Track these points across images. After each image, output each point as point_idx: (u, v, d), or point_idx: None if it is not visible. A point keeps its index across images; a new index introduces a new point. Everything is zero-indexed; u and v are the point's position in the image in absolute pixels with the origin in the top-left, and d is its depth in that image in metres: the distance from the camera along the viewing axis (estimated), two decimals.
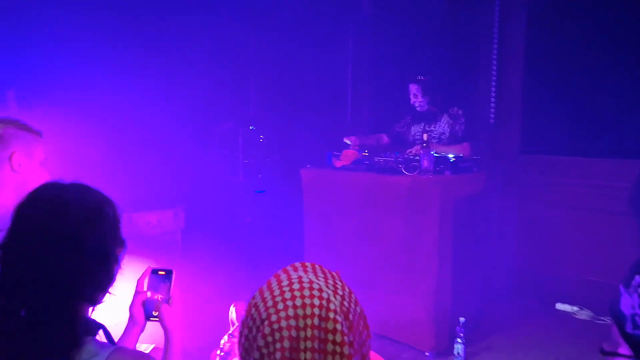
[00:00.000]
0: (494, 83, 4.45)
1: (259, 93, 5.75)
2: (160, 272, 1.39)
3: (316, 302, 0.85)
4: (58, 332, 1.01)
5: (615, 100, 3.96)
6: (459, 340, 3.35)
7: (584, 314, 4.09)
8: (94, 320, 1.13)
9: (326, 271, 0.96)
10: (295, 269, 0.95)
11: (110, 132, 4.19)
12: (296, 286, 0.87)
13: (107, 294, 1.15)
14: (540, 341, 3.68)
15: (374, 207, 3.55)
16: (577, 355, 3.49)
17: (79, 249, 1.06)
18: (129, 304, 1.37)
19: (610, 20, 3.99)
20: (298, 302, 0.85)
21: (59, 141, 3.66)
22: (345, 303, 0.89)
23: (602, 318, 4.02)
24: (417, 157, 3.44)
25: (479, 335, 3.68)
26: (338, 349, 0.83)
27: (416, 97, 3.96)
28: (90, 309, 1.13)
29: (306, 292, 0.86)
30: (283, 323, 0.83)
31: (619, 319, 1.02)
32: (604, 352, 1.09)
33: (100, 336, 1.15)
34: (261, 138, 5.55)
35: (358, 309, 0.92)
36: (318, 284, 0.88)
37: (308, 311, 0.84)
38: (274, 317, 0.84)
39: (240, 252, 5.12)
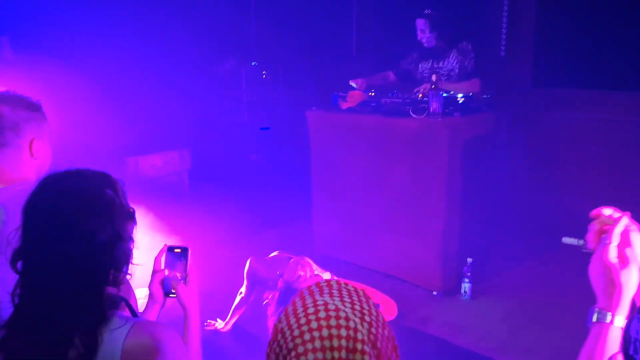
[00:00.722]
0: (505, 14, 4.23)
1: (261, 29, 5.54)
2: (176, 250, 1.41)
3: (343, 332, 0.83)
4: (85, 317, 1.06)
5: (632, 31, 3.78)
6: (466, 280, 3.41)
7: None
8: (116, 295, 1.17)
9: (352, 291, 0.92)
10: (321, 291, 0.92)
11: (111, 76, 4.09)
12: (322, 314, 0.85)
13: (127, 272, 1.19)
14: (546, 277, 3.73)
15: (382, 150, 3.50)
16: (581, 290, 3.54)
17: (91, 240, 1.08)
18: (148, 282, 1.40)
19: None
20: (325, 332, 0.83)
21: (58, 87, 3.59)
22: (373, 330, 0.86)
23: None
24: (426, 99, 3.35)
25: (486, 274, 3.73)
26: None
27: (424, 33, 3.79)
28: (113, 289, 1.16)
29: (333, 322, 0.84)
30: (310, 356, 0.81)
31: (625, 341, 1.06)
32: None
33: (123, 309, 1.21)
34: (264, 74, 5.42)
35: (386, 332, 0.89)
36: (345, 311, 0.85)
37: (335, 343, 0.82)
38: (300, 349, 0.82)
39: (246, 190, 5.14)
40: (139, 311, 1.39)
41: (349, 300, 0.89)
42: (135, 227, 1.21)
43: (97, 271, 1.09)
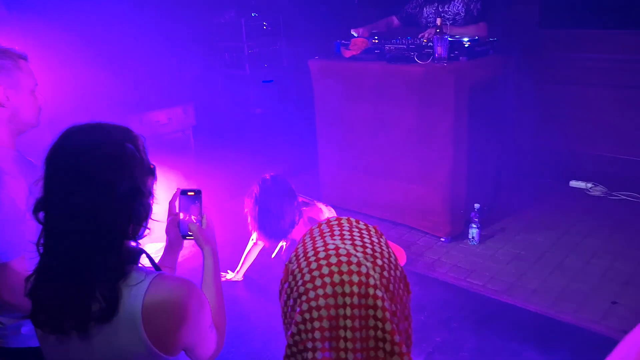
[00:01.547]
0: None
1: None
2: (189, 193, 1.40)
3: (355, 278, 0.82)
4: (104, 269, 1.06)
5: None
6: (473, 225, 3.44)
7: (598, 190, 4.13)
8: (135, 247, 1.17)
9: (363, 231, 0.91)
10: (332, 233, 0.90)
11: (110, 33, 4.02)
12: (333, 260, 0.84)
13: (147, 227, 1.19)
14: (553, 219, 3.76)
15: (387, 98, 3.46)
16: (588, 229, 3.58)
17: (112, 192, 1.08)
18: (165, 227, 1.41)
19: None
20: (336, 278, 0.82)
21: (56, 45, 3.54)
22: (385, 273, 0.85)
23: (614, 193, 4.06)
24: (430, 44, 3.27)
25: (494, 218, 3.76)
26: (380, 324, 0.81)
27: None
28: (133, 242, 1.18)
29: (344, 268, 0.83)
30: (321, 302, 0.81)
31: None
32: None
33: (144, 260, 1.21)
34: (265, 25, 5.30)
35: (398, 273, 0.88)
36: (356, 256, 0.84)
37: (347, 289, 0.81)
38: (311, 294, 0.82)
39: (252, 143, 5.13)
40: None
41: (361, 243, 0.88)
42: (155, 182, 1.21)
43: (116, 224, 1.09)
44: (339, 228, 0.91)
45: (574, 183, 4.26)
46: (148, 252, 1.21)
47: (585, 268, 3.15)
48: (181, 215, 1.39)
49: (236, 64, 5.34)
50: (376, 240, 0.90)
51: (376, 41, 3.61)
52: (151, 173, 1.19)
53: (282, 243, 3.04)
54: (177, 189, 1.42)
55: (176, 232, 1.40)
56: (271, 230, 2.70)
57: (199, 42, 4.99)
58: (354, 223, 0.93)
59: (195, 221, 1.38)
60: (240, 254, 3.21)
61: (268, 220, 2.66)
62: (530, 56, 4.21)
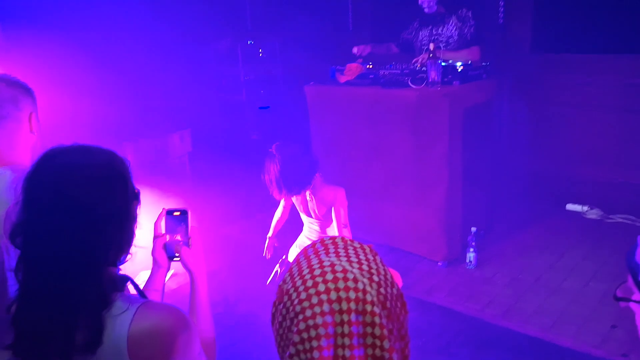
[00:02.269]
0: None
1: (255, 6, 5.47)
2: (175, 213, 1.37)
3: (352, 295, 0.81)
4: (85, 297, 1.03)
5: None
6: (470, 249, 3.42)
7: (594, 213, 4.13)
8: (120, 275, 1.14)
9: (358, 249, 0.91)
10: (327, 250, 0.89)
11: (107, 60, 4.06)
12: (329, 277, 0.83)
13: (129, 252, 1.16)
14: (549, 242, 3.74)
15: (382, 122, 3.47)
16: (585, 252, 3.56)
17: (93, 216, 1.05)
18: (151, 249, 1.37)
19: None
20: (333, 295, 0.81)
21: (54, 70, 3.57)
22: (382, 290, 0.84)
23: (611, 216, 4.05)
24: (424, 69, 3.31)
25: (491, 242, 3.74)
26: (378, 342, 0.80)
27: None
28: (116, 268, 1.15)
29: (340, 284, 0.82)
30: (319, 320, 0.80)
31: (633, 269, 1.07)
32: (618, 298, 1.12)
33: (130, 287, 1.18)
34: (260, 52, 5.37)
35: (395, 290, 0.88)
36: (352, 272, 0.83)
37: (344, 306, 0.80)
38: (308, 312, 0.81)
39: (249, 170, 5.12)
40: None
41: (356, 260, 0.87)
42: (139, 207, 1.18)
43: (97, 249, 1.06)
44: (334, 246, 0.91)
45: (570, 206, 4.25)
46: (133, 278, 1.17)
47: (583, 291, 3.13)
48: (167, 237, 1.36)
49: (233, 90, 5.38)
50: (371, 258, 0.90)
51: (370, 67, 3.65)
52: (135, 198, 1.17)
53: (277, 268, 3.02)
54: (163, 209, 1.38)
55: (162, 253, 1.36)
56: (291, 181, 2.73)
57: (195, 68, 5.04)
58: (349, 242, 0.93)
59: (181, 242, 1.35)
60: (235, 278, 3.19)
61: (287, 172, 2.73)
62: (523, 80, 4.26)
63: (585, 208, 4.18)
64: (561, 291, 3.14)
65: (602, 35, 3.92)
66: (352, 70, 3.63)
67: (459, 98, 3.26)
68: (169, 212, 1.37)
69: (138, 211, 1.18)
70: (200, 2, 4.84)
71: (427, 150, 3.32)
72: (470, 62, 3.46)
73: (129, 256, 1.16)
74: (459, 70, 3.32)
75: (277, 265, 3.00)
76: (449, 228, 3.43)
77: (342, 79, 3.67)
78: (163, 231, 1.37)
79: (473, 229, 3.39)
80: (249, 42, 5.25)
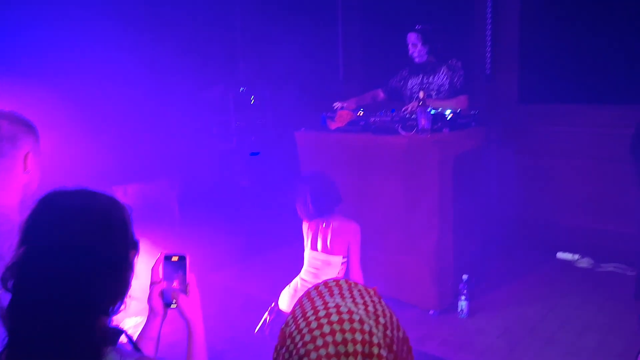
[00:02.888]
0: (489, 33, 4.31)
1: (247, 54, 5.58)
2: (173, 259, 1.34)
3: (358, 337, 0.78)
4: (77, 349, 0.98)
5: (612, 47, 3.84)
6: (462, 297, 3.37)
7: (585, 262, 4.11)
8: (113, 327, 1.09)
9: (363, 291, 0.89)
10: (331, 292, 0.87)
11: (98, 105, 4.08)
12: (334, 318, 0.80)
13: (123, 303, 1.12)
14: (541, 291, 3.70)
15: (373, 169, 3.48)
16: (578, 302, 3.52)
17: (90, 262, 1.02)
18: (147, 296, 1.33)
19: None
20: (338, 337, 0.78)
21: (44, 115, 3.56)
22: (388, 332, 0.82)
23: (602, 265, 4.04)
24: (414, 116, 3.35)
25: (482, 290, 3.69)
26: None
27: (415, 47, 3.81)
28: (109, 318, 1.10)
29: (346, 326, 0.79)
30: None
31: None
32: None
33: (123, 340, 1.14)
34: (252, 99, 5.43)
35: (400, 334, 0.85)
36: (358, 314, 0.81)
37: (350, 348, 0.77)
38: (313, 355, 0.78)
39: (238, 216, 5.09)
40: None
41: (362, 302, 0.85)
42: (137, 257, 1.16)
43: (91, 297, 1.02)
44: (338, 288, 0.89)
45: (560, 255, 4.24)
46: (126, 329, 1.13)
47: (577, 342, 3.07)
48: (164, 285, 1.33)
49: (224, 137, 5.40)
50: (376, 300, 0.88)
51: (361, 114, 3.69)
52: (134, 247, 1.14)
53: (266, 315, 2.94)
54: (161, 253, 1.36)
55: (159, 301, 1.32)
56: (313, 208, 2.93)
57: (187, 115, 5.07)
58: (352, 284, 0.91)
59: (179, 289, 1.32)
60: (223, 326, 3.10)
61: (315, 193, 2.95)
62: (511, 129, 4.33)
63: (576, 257, 4.16)
64: (555, 342, 3.07)
65: (586, 87, 4.04)
66: (343, 117, 3.66)
67: (448, 145, 3.29)
68: (167, 257, 1.34)
69: (136, 261, 1.15)
70: (193, 50, 4.92)
71: (418, 197, 3.32)
72: (459, 110, 3.51)
73: (122, 306, 1.12)
74: (449, 118, 3.37)
75: (266, 312, 2.93)
76: (440, 276, 3.39)
77: (333, 125, 3.70)
78: (160, 277, 1.34)
79: (465, 277, 3.35)
80: (241, 90, 5.31)
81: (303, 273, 2.97)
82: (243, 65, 5.61)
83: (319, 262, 2.90)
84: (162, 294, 1.32)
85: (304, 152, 3.87)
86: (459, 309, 3.38)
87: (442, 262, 3.38)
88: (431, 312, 3.44)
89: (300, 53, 5.06)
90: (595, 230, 4.13)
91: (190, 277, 1.34)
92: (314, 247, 2.95)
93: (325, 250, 2.88)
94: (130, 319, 1.88)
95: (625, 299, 3.50)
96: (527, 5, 4.22)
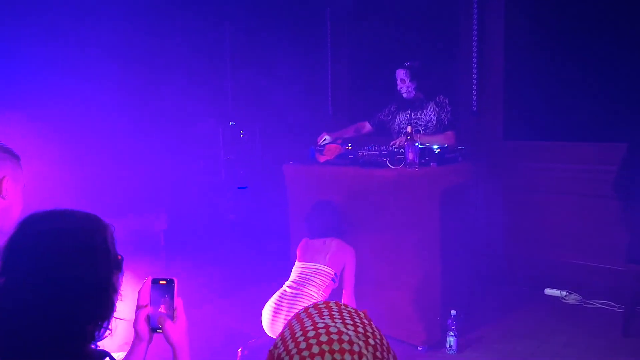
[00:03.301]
0: (475, 71, 4.41)
1: (237, 88, 5.64)
2: (161, 282, 1.31)
3: (347, 357, 0.77)
4: None
5: (595, 86, 3.95)
6: (450, 333, 3.33)
7: (573, 298, 4.11)
8: (98, 351, 1.07)
9: (353, 313, 0.88)
10: (320, 313, 0.87)
11: (85, 138, 4.07)
12: (324, 338, 0.80)
13: (109, 327, 1.10)
14: (530, 327, 3.68)
15: (360, 203, 3.49)
16: (567, 338, 3.50)
17: (73, 286, 1.01)
18: (133, 320, 1.30)
19: (587, 8, 3.97)
20: (328, 358, 0.77)
21: (30, 147, 3.54)
22: (378, 354, 0.81)
23: (590, 302, 4.03)
24: (402, 150, 3.38)
25: (471, 326, 3.66)
26: None
27: (403, 83, 3.88)
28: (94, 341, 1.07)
29: (335, 346, 0.78)
30: None
31: None
32: None
33: None
34: (241, 133, 5.46)
35: (391, 357, 0.84)
36: (348, 334, 0.80)
37: None
38: None
39: (225, 250, 5.04)
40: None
41: (351, 322, 0.84)
42: (122, 277, 1.14)
43: (75, 323, 1.00)
44: (328, 310, 0.88)
45: (548, 291, 4.23)
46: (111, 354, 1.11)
47: None
48: (151, 310, 1.30)
49: (212, 171, 5.40)
50: (367, 322, 0.87)
51: (349, 147, 3.72)
52: (117, 267, 1.12)
53: (239, 351, 2.91)
54: (148, 277, 1.33)
55: (145, 326, 1.28)
56: (322, 225, 3.24)
57: (176, 148, 5.08)
58: (342, 306, 0.90)
59: (166, 314, 1.29)
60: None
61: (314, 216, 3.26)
62: (497, 165, 4.38)
63: (564, 293, 4.16)
64: None
65: (570, 125, 4.12)
66: (332, 150, 3.69)
67: (436, 179, 3.32)
68: (155, 281, 1.32)
69: (120, 281, 1.13)
70: (183, 84, 4.96)
71: (406, 231, 3.32)
72: (446, 145, 3.56)
73: (107, 332, 1.09)
74: (436, 152, 3.40)
75: (240, 349, 2.92)
76: (428, 311, 3.36)
77: (322, 158, 3.72)
78: (147, 301, 1.31)
79: (453, 313, 3.32)
80: (230, 124, 5.35)
81: (287, 283, 3.00)
82: (232, 100, 5.66)
83: (307, 271, 2.96)
84: (149, 319, 1.29)
85: (292, 185, 3.88)
86: (448, 345, 3.34)
87: (430, 297, 3.36)
88: (419, 348, 3.40)
89: (290, 87, 5.13)
90: (582, 266, 4.14)
91: (178, 301, 1.31)
92: (307, 259, 3.08)
93: (318, 261, 2.96)
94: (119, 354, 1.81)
95: (614, 336, 3.49)
96: (511, 44, 4.34)
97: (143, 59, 4.59)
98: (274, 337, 2.73)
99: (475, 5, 4.35)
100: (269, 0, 5.11)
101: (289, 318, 2.47)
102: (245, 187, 5.42)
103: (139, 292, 1.31)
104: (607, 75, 3.89)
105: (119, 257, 1.14)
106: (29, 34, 3.75)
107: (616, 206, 3.90)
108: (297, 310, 0.91)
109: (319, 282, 2.98)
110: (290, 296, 2.99)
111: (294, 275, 3.14)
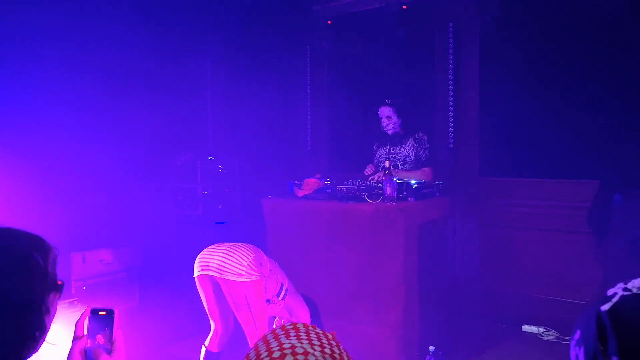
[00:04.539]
0: (451, 110, 4.51)
1: (216, 122, 5.66)
2: (100, 313, 1.24)
3: None
4: None
5: (569, 123, 4.06)
6: None
7: (550, 335, 4.10)
8: None
9: (320, 334, 0.87)
10: (287, 334, 0.86)
11: (58, 169, 4.01)
12: (289, 359, 0.78)
13: (39, 347, 1.06)
14: None
15: (339, 236, 3.48)
16: None
17: (3, 303, 0.98)
18: (67, 352, 1.23)
19: (561, 47, 4.12)
20: None
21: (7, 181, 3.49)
22: None
23: (567, 338, 4.03)
24: (380, 185, 3.41)
25: None
26: None
27: (390, 120, 3.96)
28: None
29: None
30: None
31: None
32: None
33: None
34: (220, 168, 5.44)
35: None
36: (314, 355, 0.79)
37: None
38: None
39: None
40: None
41: (318, 344, 0.83)
42: (58, 299, 1.11)
43: (2, 344, 0.96)
44: (295, 331, 0.87)
45: (526, 327, 4.23)
46: None
47: None
48: (88, 342, 1.22)
49: (189, 205, 5.35)
50: (334, 344, 0.86)
51: (328, 182, 3.74)
52: (55, 289, 1.09)
53: None
54: (87, 307, 1.26)
55: (80, 357, 1.21)
56: None
57: (152, 181, 5.03)
58: (310, 327, 0.90)
59: (103, 347, 1.22)
60: None
61: None
62: (473, 201, 4.44)
63: (542, 329, 4.16)
64: None
65: (543, 163, 4.21)
66: (310, 184, 3.70)
67: (413, 213, 3.34)
68: (94, 312, 1.24)
69: (56, 303, 1.10)
70: (162, 117, 4.96)
71: (384, 265, 3.31)
72: (423, 180, 3.60)
73: (34, 353, 1.05)
74: (414, 187, 3.44)
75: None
76: (406, 347, 3.33)
77: (300, 193, 3.72)
78: (85, 332, 1.24)
79: (431, 348, 3.29)
80: (209, 158, 5.33)
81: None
82: (212, 134, 5.67)
83: None
84: (85, 352, 1.22)
85: (270, 219, 3.86)
86: None
87: (409, 332, 3.33)
88: None
89: (269, 123, 5.17)
90: (559, 302, 4.16)
91: (117, 334, 1.24)
92: None
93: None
94: None
95: None
96: (486, 82, 4.46)
97: (122, 89, 4.59)
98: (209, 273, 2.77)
99: (451, 43, 4.48)
100: (250, 36, 5.19)
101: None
102: (223, 222, 5.37)
103: (76, 323, 1.24)
104: (579, 113, 4.01)
105: (59, 282, 1.11)
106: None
107: (591, 242, 3.96)
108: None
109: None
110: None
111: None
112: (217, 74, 5.53)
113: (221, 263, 2.78)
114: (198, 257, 2.94)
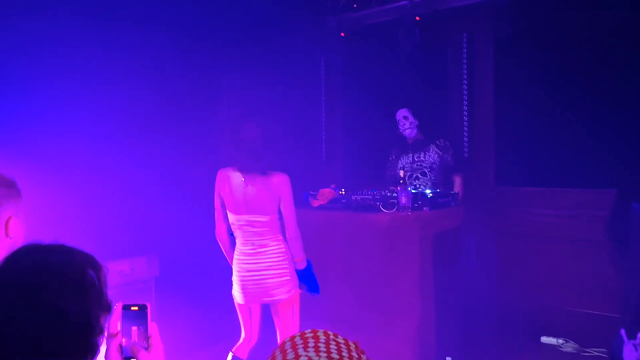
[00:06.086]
0: (466, 119, 4.50)
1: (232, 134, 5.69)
2: (133, 308, 1.20)
3: None
4: None
5: (586, 132, 4.01)
6: None
7: (570, 347, 4.04)
8: None
9: (341, 345, 0.83)
10: (305, 345, 0.82)
11: (77, 179, 4.07)
12: None
13: None
14: None
15: (354, 247, 3.48)
16: None
17: (61, 322, 0.97)
18: (104, 351, 1.22)
19: (576, 56, 4.09)
20: None
21: (25, 190, 3.54)
22: None
23: (587, 350, 3.96)
24: (395, 195, 3.41)
25: None
26: None
27: (406, 120, 3.98)
28: None
29: None
30: None
31: None
32: None
33: None
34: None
35: None
36: None
37: None
38: None
39: (217, 297, 4.96)
40: None
41: (337, 357, 0.79)
42: (110, 320, 1.10)
43: (54, 357, 0.95)
44: (314, 340, 0.83)
45: (545, 339, 4.16)
46: None
47: None
48: (123, 341, 1.19)
49: (206, 216, 5.37)
50: (355, 356, 0.82)
51: (343, 192, 3.75)
52: (107, 309, 1.08)
53: None
54: (119, 304, 1.22)
55: (117, 355, 1.18)
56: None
57: (169, 192, 5.08)
58: (332, 336, 0.85)
59: (140, 343, 1.19)
60: None
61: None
62: (489, 210, 4.40)
63: (561, 341, 4.09)
64: None
65: (560, 171, 4.17)
66: (325, 195, 3.71)
67: (428, 223, 3.33)
68: (125, 307, 1.21)
69: (107, 324, 1.09)
70: (178, 130, 5.01)
71: (399, 275, 3.30)
72: (439, 190, 3.60)
73: None
74: (429, 197, 3.43)
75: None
76: (422, 358, 3.30)
77: (315, 203, 3.73)
78: (119, 329, 1.24)
79: (448, 359, 3.26)
80: None
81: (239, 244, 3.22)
82: (227, 146, 5.71)
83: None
84: (121, 350, 1.19)
85: None
86: None
87: (425, 343, 3.31)
88: None
89: (284, 133, 5.19)
90: (578, 313, 4.09)
91: (153, 328, 1.21)
92: (241, 210, 3.21)
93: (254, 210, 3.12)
94: None
95: None
96: (501, 91, 4.44)
97: (142, 104, 4.65)
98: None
99: (465, 54, 4.48)
100: (264, 47, 5.24)
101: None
102: None
103: (110, 321, 1.20)
104: (597, 122, 3.96)
105: (110, 301, 1.10)
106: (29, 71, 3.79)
107: (610, 252, 3.90)
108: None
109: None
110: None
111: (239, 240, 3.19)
112: (232, 84, 5.58)
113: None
114: (238, 279, 3.12)
